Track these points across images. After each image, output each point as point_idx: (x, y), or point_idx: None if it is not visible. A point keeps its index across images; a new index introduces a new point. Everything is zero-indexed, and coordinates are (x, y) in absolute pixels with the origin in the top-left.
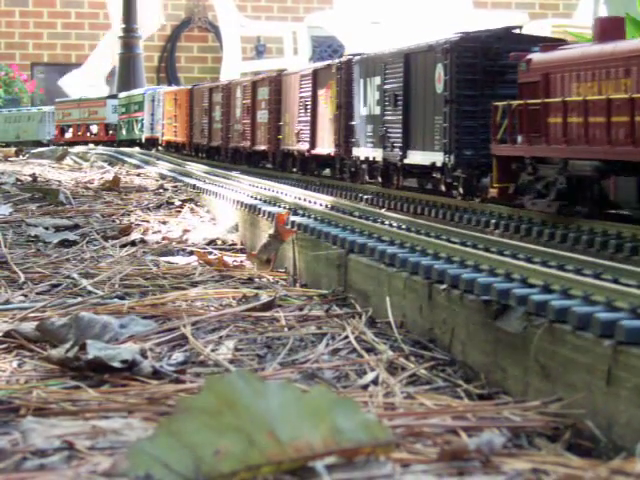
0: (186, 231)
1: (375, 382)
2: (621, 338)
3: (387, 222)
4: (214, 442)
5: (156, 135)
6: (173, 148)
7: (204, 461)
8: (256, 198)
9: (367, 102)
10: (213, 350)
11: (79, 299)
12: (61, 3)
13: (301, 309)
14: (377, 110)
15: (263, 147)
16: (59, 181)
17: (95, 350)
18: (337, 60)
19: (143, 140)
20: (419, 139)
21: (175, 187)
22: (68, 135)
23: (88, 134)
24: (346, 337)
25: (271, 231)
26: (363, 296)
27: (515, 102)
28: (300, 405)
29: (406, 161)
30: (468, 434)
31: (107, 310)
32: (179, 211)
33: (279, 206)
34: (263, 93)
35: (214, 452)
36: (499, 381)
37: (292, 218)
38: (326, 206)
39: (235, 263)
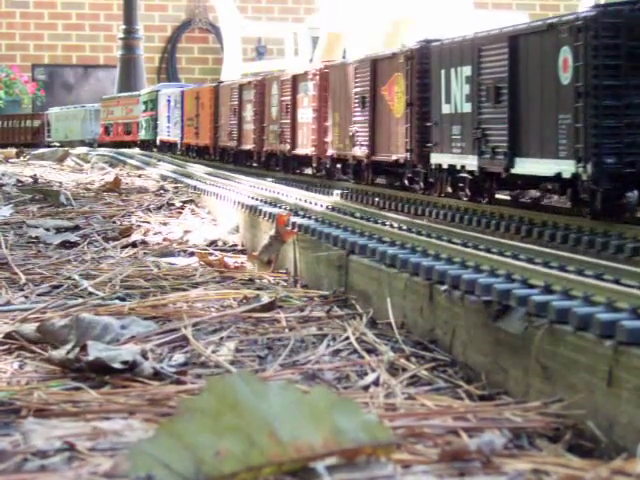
0: (187, 232)
1: (376, 383)
2: (622, 339)
3: (388, 223)
4: (215, 443)
5: (173, 139)
6: (194, 152)
7: (205, 462)
8: (257, 199)
9: (451, 97)
10: (214, 351)
11: (80, 300)
12: (62, 4)
13: (302, 310)
14: (467, 107)
15: (306, 151)
16: (60, 182)
17: (96, 351)
18: (406, 47)
19: (157, 142)
20: (534, 143)
21: (176, 188)
22: (111, 135)
23: (126, 134)
24: (347, 338)
25: (272, 232)
26: (364, 297)
27: None
28: (301, 406)
29: (514, 171)
30: (469, 435)
31: (108, 311)
32: (180, 212)
33: (280, 207)
34: (305, 89)
35: (215, 453)
36: (500, 382)
37: (293, 219)
38: (327, 207)
39: (236, 264)
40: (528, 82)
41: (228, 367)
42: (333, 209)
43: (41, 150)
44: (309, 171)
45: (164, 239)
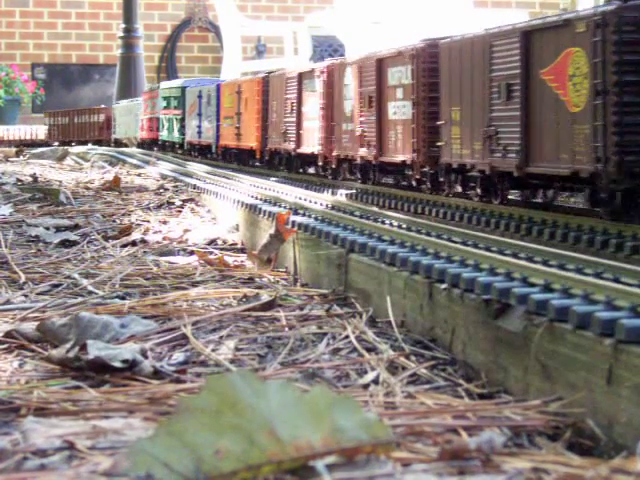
0: (187, 231)
1: (376, 381)
2: (621, 337)
3: (387, 221)
4: (214, 442)
5: (206, 141)
6: (233, 156)
7: (204, 461)
8: (257, 198)
9: None
10: (214, 350)
11: (80, 299)
12: (61, 3)
13: (302, 309)
14: None
15: (402, 157)
16: (60, 181)
17: (96, 350)
18: (590, 9)
19: (185, 145)
20: None
21: (176, 187)
22: (144, 132)
23: (150, 131)
24: (347, 337)
25: (272, 231)
26: (364, 296)
27: None
28: (300, 404)
29: None
30: (469, 433)
31: (107, 310)
32: (180, 211)
33: (280, 206)
34: (399, 75)
35: (214, 452)
36: (500, 380)
37: (293, 218)
38: (327, 206)
39: (236, 263)
40: None
41: (228, 366)
42: (333, 208)
43: (41, 149)
44: (388, 179)
45: (164, 238)
